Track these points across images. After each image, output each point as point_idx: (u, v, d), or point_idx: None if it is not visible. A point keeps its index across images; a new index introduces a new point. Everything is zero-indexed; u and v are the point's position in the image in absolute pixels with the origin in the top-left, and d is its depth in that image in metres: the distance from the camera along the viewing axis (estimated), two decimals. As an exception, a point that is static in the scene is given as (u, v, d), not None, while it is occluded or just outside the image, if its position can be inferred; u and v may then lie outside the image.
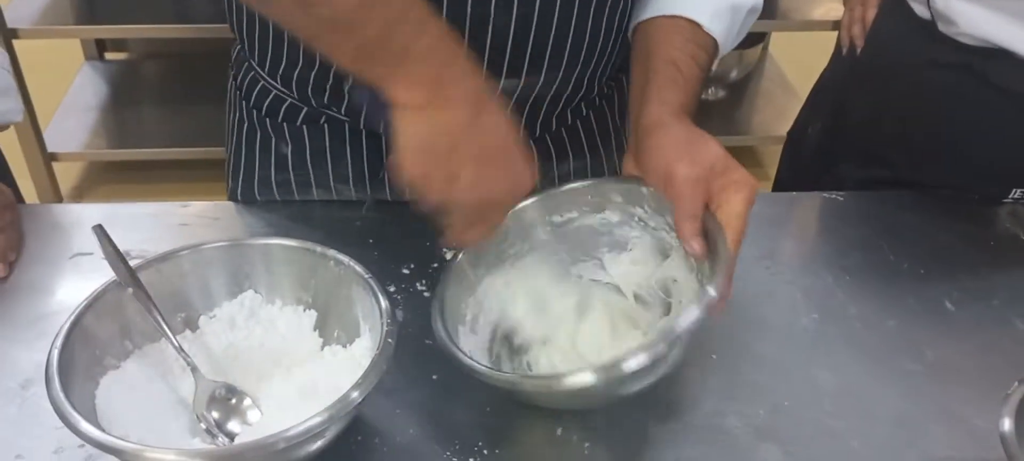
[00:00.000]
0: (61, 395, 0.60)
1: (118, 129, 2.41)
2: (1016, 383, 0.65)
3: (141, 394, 0.68)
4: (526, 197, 0.76)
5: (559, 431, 0.72)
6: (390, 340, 0.65)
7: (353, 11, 0.60)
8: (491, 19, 0.81)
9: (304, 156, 0.96)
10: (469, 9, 0.79)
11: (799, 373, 0.78)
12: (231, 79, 0.99)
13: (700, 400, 0.75)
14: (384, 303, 0.68)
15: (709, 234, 0.70)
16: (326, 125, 0.94)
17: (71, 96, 2.50)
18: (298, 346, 0.73)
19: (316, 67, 0.88)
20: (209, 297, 0.74)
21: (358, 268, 0.71)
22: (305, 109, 0.93)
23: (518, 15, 0.81)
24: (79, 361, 0.65)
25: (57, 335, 0.64)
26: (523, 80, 0.87)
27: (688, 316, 0.64)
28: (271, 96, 0.93)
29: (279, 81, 0.92)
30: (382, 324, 0.66)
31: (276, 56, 0.89)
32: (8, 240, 0.86)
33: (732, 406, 0.75)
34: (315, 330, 0.74)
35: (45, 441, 0.69)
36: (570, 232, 0.80)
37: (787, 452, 0.71)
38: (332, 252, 0.72)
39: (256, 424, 0.68)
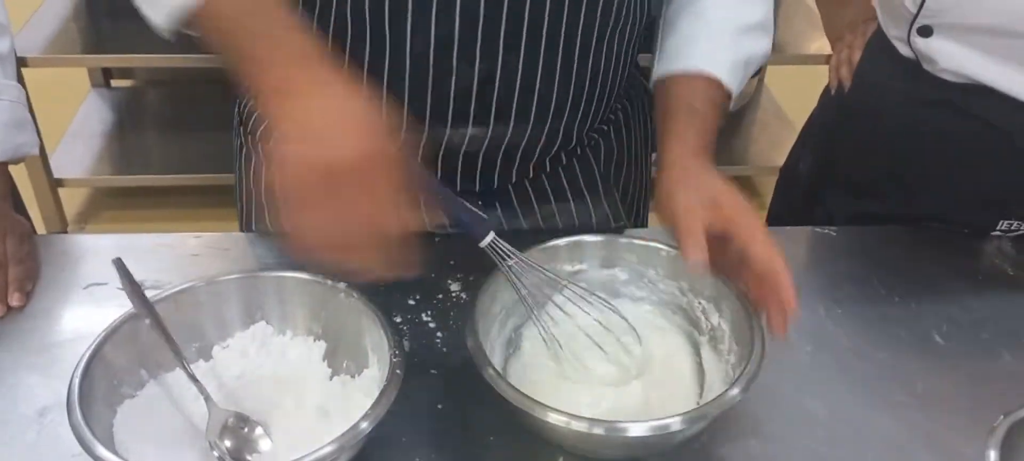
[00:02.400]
0: (82, 423, 0.62)
1: (123, 155, 2.44)
2: (1002, 416, 0.68)
3: (157, 423, 0.70)
4: (536, 244, 0.80)
5: (561, 459, 0.74)
6: (398, 371, 0.67)
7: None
8: (454, 72, 0.84)
9: None
10: (431, 59, 0.82)
11: (792, 403, 0.80)
12: (235, 106, 1.02)
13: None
14: (392, 334, 0.70)
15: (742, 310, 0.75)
16: None
17: (77, 123, 2.54)
18: (308, 376, 0.75)
19: None
20: (223, 327, 0.76)
21: (367, 300, 0.73)
22: None
23: (480, 69, 0.84)
24: (98, 390, 0.67)
25: (78, 364, 0.66)
26: (491, 130, 0.89)
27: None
28: (265, 123, 0.96)
29: None
30: (390, 354, 0.69)
31: None
32: (26, 270, 0.88)
33: (725, 435, 0.77)
34: (324, 360, 0.76)
35: (62, 467, 0.71)
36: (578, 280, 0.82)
37: (780, 481, 0.73)
38: (342, 284, 0.75)
39: (267, 453, 0.70)
